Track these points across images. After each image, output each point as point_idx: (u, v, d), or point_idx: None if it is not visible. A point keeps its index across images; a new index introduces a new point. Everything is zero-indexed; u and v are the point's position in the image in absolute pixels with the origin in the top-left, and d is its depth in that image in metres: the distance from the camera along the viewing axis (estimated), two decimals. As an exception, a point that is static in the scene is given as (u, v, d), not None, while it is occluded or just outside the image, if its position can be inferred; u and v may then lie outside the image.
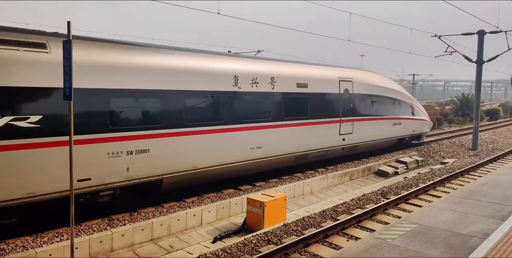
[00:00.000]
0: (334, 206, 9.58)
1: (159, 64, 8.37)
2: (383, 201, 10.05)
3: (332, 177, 12.43)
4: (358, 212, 8.91)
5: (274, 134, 10.87)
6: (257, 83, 10.42)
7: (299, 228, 7.95)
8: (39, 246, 6.27)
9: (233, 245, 6.86)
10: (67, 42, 5.48)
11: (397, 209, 9.53)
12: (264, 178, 11.52)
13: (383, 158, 15.79)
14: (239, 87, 9.95)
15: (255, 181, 11.21)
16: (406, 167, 15.48)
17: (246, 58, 11.13)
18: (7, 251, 6.06)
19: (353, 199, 10.35)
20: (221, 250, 6.63)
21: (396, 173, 14.76)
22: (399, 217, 8.59)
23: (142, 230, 7.39)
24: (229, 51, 17.51)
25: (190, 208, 8.60)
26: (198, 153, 8.93)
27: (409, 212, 9.16)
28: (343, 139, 13.39)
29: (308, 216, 8.76)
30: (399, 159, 15.84)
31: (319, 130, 12.37)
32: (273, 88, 10.90)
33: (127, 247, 7.12)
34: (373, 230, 7.82)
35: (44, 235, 6.76)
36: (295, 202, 10.59)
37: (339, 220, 8.35)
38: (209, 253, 6.51)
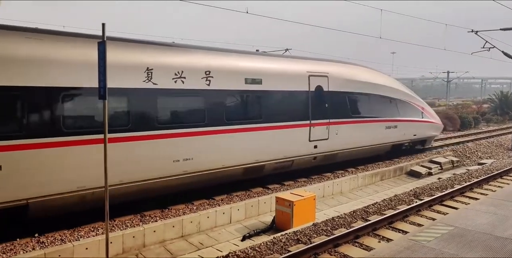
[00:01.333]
0: (364, 207, 9.41)
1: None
2: (416, 202, 9.76)
3: (362, 177, 12.20)
4: (389, 213, 8.70)
5: (210, 142, 8.71)
6: (183, 78, 8.28)
7: (328, 228, 7.86)
8: (76, 240, 6.50)
9: (262, 244, 6.86)
10: (102, 43, 5.64)
11: (431, 211, 9.23)
12: (293, 177, 11.46)
13: (416, 158, 15.36)
14: (154, 83, 7.83)
15: (284, 180, 11.17)
16: (440, 168, 14.99)
17: (168, 46, 8.66)
18: (47, 244, 6.33)
19: (384, 199, 10.12)
20: (250, 248, 6.64)
21: (430, 174, 14.31)
22: (433, 219, 8.32)
23: (173, 226, 7.52)
24: (257, 50, 15.91)
25: (219, 205, 8.68)
26: (84, 168, 6.80)
27: (444, 214, 8.86)
28: (315, 146, 11.06)
29: (338, 216, 8.64)
30: (433, 159, 15.36)
31: (278, 136, 10.13)
32: (208, 85, 8.70)
33: (159, 243, 7.27)
34: (406, 232, 7.61)
35: (81, 229, 7.01)
36: (325, 201, 10.48)
37: (370, 220, 8.19)
38: (239, 251, 6.54)
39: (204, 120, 8.63)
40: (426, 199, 9.78)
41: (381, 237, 7.53)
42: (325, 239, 6.92)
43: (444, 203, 9.85)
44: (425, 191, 11.08)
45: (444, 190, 10.99)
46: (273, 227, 8.23)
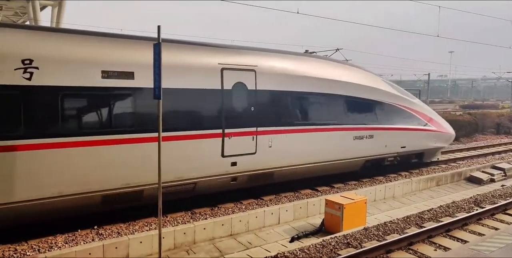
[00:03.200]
0: (419, 212, 8.97)
1: None
2: (477, 210, 9.15)
3: (416, 181, 11.66)
4: (447, 220, 8.23)
5: (37, 159, 6.17)
6: None
7: (380, 233, 7.58)
8: (131, 234, 6.79)
9: (311, 246, 6.76)
10: (157, 45, 5.86)
11: (493, 220, 8.61)
12: (343, 179, 11.21)
13: (476, 163, 14.42)
14: None
15: (333, 182, 10.95)
16: (504, 174, 13.94)
17: None
18: (105, 236, 6.67)
19: (440, 206, 9.59)
20: (299, 250, 6.57)
21: (492, 180, 13.36)
22: (496, 229, 7.76)
23: (222, 225, 7.63)
24: (306, 51, 15.36)
25: (267, 206, 8.68)
26: None
27: (508, 223, 8.23)
28: (233, 163, 8.26)
29: (390, 221, 8.32)
30: (496, 165, 14.32)
31: (168, 150, 7.26)
32: (30, 79, 6.13)
33: (208, 240, 7.41)
34: (466, 241, 7.15)
35: (135, 223, 7.32)
36: (376, 206, 10.13)
37: (425, 227, 7.79)
38: (287, 252, 6.49)
39: (19, 130, 6.06)
40: (489, 207, 9.13)
41: (437, 245, 7.13)
42: (377, 244, 6.68)
43: (508, 211, 9.15)
44: (486, 198, 10.36)
45: (508, 198, 10.21)
46: (322, 230, 8.09)
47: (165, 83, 6.76)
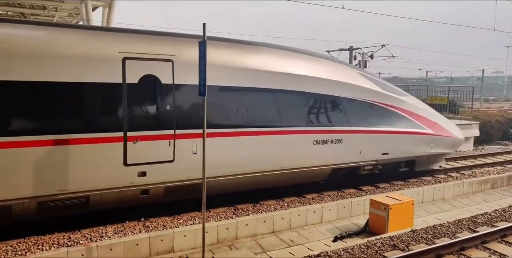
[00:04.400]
0: (472, 216, 8.49)
1: None
2: (537, 215, 8.51)
3: (469, 183, 11.04)
4: (503, 225, 7.71)
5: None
6: None
7: (429, 236, 7.25)
8: (176, 227, 6.96)
9: (356, 246, 6.59)
10: (202, 42, 5.94)
11: (556, 227, 7.96)
12: (389, 179, 10.84)
13: (536, 165, 13.43)
14: None
15: (378, 182, 10.62)
16: None
17: None
18: (151, 228, 6.89)
19: (496, 210, 9.01)
20: (342, 250, 6.43)
21: (554, 184, 12.38)
22: (559, 236, 7.17)
23: (264, 221, 7.63)
24: (350, 47, 14.87)
25: (310, 204, 8.57)
26: None
27: None
28: (141, 173, 6.86)
29: (440, 224, 7.93)
30: (559, 168, 13.26)
31: (45, 157, 6.06)
32: None
33: (250, 236, 7.44)
34: (524, 248, 6.67)
35: (180, 217, 7.50)
36: (424, 207, 9.71)
37: (478, 232, 7.36)
38: (331, 252, 6.37)
39: None
40: (550, 212, 8.47)
41: (492, 251, 6.71)
42: (426, 248, 6.39)
43: None
44: (548, 203, 9.62)
45: None
46: (366, 230, 7.87)
47: (54, 77, 6.11)
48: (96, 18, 22.50)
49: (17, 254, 5.76)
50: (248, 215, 7.73)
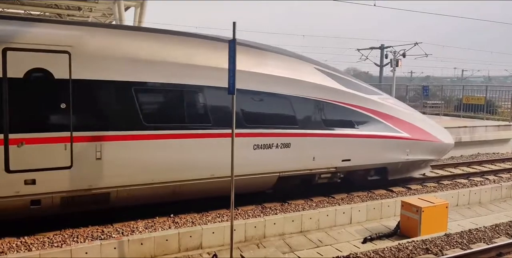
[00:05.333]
0: (510, 221, 8.11)
1: None
2: None
3: (508, 187, 10.56)
4: (545, 231, 7.33)
5: None
6: None
7: (464, 241, 6.99)
8: (205, 224, 7.03)
9: (386, 249, 6.44)
10: (232, 41, 5.96)
11: None
12: (420, 181, 10.54)
13: None
14: None
15: (409, 184, 10.35)
16: None
17: None
18: (180, 225, 6.99)
19: (537, 215, 8.58)
20: (372, 252, 6.30)
21: None
22: None
23: (293, 221, 7.58)
24: (382, 45, 14.34)
25: (339, 205, 8.45)
26: None
27: None
28: (29, 181, 6.04)
29: (476, 228, 7.63)
30: None
31: None
32: None
33: (278, 235, 7.41)
34: None
35: (208, 214, 7.57)
36: (459, 211, 9.37)
37: (517, 238, 7.03)
38: (360, 253, 6.26)
39: None
40: None
41: (532, 258, 6.38)
42: (461, 253, 6.17)
43: None
44: None
45: None
46: (397, 233, 7.68)
47: None
48: (129, 18, 23.05)
49: (53, 245, 5.98)
50: (276, 214, 7.71)
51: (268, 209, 7.99)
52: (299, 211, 7.95)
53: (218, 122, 7.32)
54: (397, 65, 24.70)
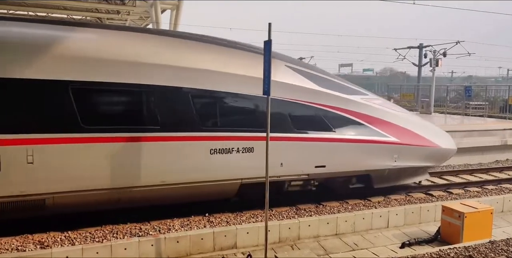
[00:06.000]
0: (562, 230, 7.61)
1: None
2: None
3: (559, 193, 9.91)
4: None
5: None
6: None
7: (510, 249, 6.61)
8: (239, 223, 7.07)
9: (426, 255, 6.21)
10: (268, 42, 5.97)
11: None
12: (462, 186, 10.09)
13: None
14: None
15: (451, 188, 9.94)
16: None
17: None
18: (215, 223, 7.07)
19: None
20: (411, 258, 6.10)
21: None
22: None
23: (327, 223, 7.48)
24: (420, 44, 13.66)
25: (375, 208, 8.25)
26: None
27: None
28: None
29: (524, 236, 7.20)
30: None
31: None
32: None
33: (313, 237, 7.33)
34: None
35: (242, 214, 7.61)
36: (504, 217, 8.90)
37: None
38: (398, 258, 6.08)
39: None
40: None
41: None
42: (507, 261, 5.83)
43: None
44: None
45: None
46: (437, 239, 7.39)
47: None
48: (165, 21, 23.59)
49: (94, 240, 6.22)
50: (311, 216, 7.63)
51: (303, 211, 7.92)
52: (334, 213, 7.83)
53: (168, 125, 6.72)
54: (437, 65, 23.79)
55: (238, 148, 7.24)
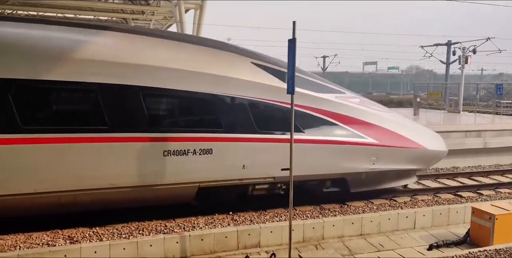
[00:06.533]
0: None
1: None
2: None
3: None
4: None
5: None
6: None
7: (545, 253, 6.34)
8: (263, 222, 7.08)
9: (455, 257, 6.03)
10: (292, 41, 5.93)
11: None
12: (493, 186, 9.76)
13: None
14: None
15: (481, 189, 9.63)
16: None
17: None
18: (239, 222, 7.10)
19: None
20: (439, 260, 5.94)
21: None
22: None
23: (352, 223, 7.38)
24: (449, 41, 13.25)
25: (402, 208, 8.09)
26: None
27: None
28: None
29: (560, 240, 6.89)
30: None
31: None
32: None
33: (337, 237, 7.26)
34: None
35: (266, 213, 7.61)
36: (538, 220, 8.53)
37: None
38: (425, 260, 5.93)
39: None
40: None
41: None
42: (542, 266, 5.60)
43: None
44: None
45: None
46: (466, 241, 7.18)
47: None
48: (188, 20, 23.79)
49: (121, 236, 6.35)
50: (335, 215, 7.55)
51: (327, 211, 7.85)
52: (359, 213, 7.72)
53: (117, 125, 6.36)
54: (466, 62, 23.06)
55: (194, 150, 6.79)
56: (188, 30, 22.48)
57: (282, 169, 6.77)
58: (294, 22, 5.94)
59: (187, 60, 6.96)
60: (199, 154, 6.81)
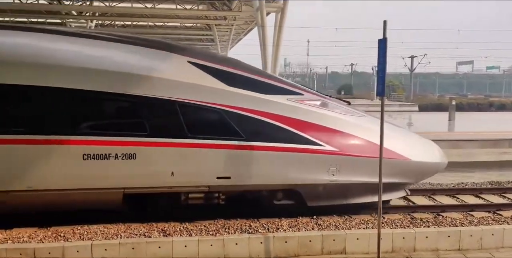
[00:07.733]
0: None
1: None
2: None
3: None
4: None
5: None
6: None
7: None
8: (348, 229, 6.84)
9: None
10: (382, 41, 5.69)
11: None
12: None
13: None
14: None
15: None
16: None
17: None
18: (323, 227, 6.95)
19: None
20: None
21: None
22: None
23: (448, 236, 6.77)
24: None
25: (508, 223, 7.22)
26: None
27: None
28: None
29: None
30: None
31: None
32: None
33: (431, 250, 6.71)
34: None
35: (351, 219, 7.34)
36: None
37: None
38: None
39: None
40: None
41: None
42: None
43: None
44: None
45: None
46: None
47: None
48: (269, 23, 24.16)
49: (209, 233, 6.60)
50: (429, 226, 7.00)
51: (419, 220, 7.32)
52: (456, 226, 7.06)
53: (32, 127, 6.23)
54: None
55: (116, 154, 6.40)
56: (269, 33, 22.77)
57: (218, 177, 6.60)
58: (384, 21, 5.73)
59: (117, 61, 6.59)
60: (122, 159, 6.42)
